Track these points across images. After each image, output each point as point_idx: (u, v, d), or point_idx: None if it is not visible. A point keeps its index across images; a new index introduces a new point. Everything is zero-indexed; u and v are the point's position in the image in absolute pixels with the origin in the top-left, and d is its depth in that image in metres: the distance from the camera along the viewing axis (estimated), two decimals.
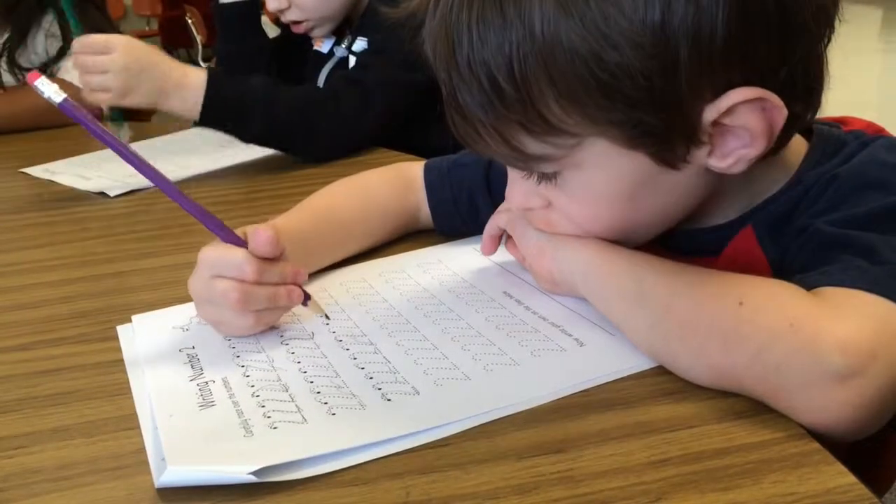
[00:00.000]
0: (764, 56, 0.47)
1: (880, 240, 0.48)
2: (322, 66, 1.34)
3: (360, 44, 1.27)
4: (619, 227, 0.56)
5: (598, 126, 0.49)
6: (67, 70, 1.61)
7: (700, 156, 0.51)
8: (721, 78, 0.47)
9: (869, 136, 0.57)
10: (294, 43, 1.40)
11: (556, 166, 0.53)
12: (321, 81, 1.34)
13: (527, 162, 0.53)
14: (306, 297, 0.61)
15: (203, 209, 0.59)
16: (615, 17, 0.45)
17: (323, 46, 1.35)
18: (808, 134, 0.59)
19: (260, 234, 0.57)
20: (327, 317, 0.61)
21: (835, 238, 0.50)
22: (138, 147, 1.15)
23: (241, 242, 0.58)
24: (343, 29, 1.33)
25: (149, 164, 0.58)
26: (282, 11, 1.26)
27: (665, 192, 0.54)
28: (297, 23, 1.27)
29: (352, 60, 1.28)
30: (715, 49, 0.46)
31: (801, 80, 0.50)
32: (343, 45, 1.32)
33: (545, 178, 0.55)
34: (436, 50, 0.51)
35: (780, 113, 0.48)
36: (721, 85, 0.47)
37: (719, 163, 0.51)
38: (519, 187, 0.58)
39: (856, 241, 0.49)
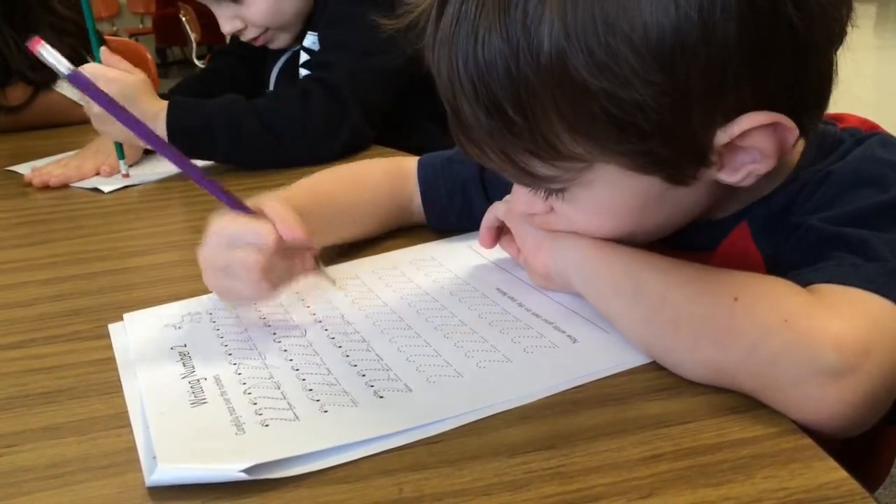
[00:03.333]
0: (776, 80, 0.47)
1: (874, 236, 0.48)
2: (277, 61, 1.35)
3: (311, 38, 1.27)
4: (622, 235, 0.56)
5: (608, 154, 0.49)
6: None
7: (710, 173, 0.50)
8: (732, 103, 0.47)
9: (864, 133, 0.57)
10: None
11: (564, 185, 0.53)
12: (273, 77, 1.35)
13: (534, 180, 0.53)
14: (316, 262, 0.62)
15: (211, 180, 0.59)
16: (626, 55, 0.44)
17: None
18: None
19: (295, 231, 0.58)
20: (334, 282, 0.62)
21: (829, 235, 0.50)
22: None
23: (254, 213, 0.59)
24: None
25: (161, 139, 0.58)
26: (240, 32, 1.26)
27: (672, 204, 0.54)
28: (255, 38, 1.28)
29: (303, 56, 1.28)
30: (727, 79, 0.45)
31: (812, 93, 0.50)
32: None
33: (552, 192, 0.55)
34: (439, 68, 0.51)
35: (792, 133, 0.48)
36: (732, 110, 0.47)
37: (729, 178, 0.51)
38: (523, 194, 0.58)
39: (850, 237, 0.49)
